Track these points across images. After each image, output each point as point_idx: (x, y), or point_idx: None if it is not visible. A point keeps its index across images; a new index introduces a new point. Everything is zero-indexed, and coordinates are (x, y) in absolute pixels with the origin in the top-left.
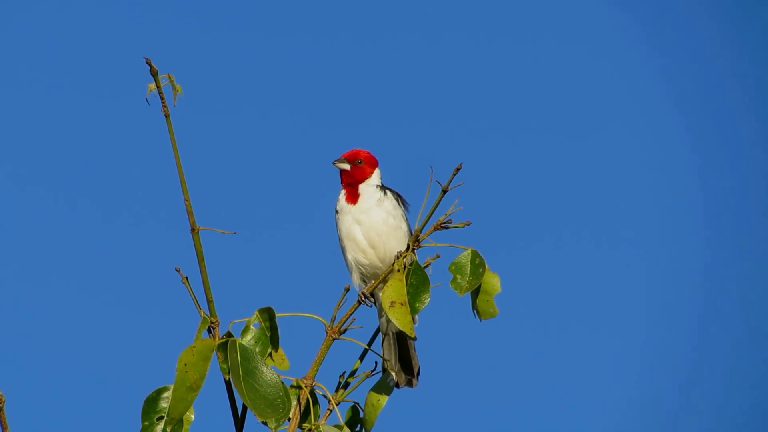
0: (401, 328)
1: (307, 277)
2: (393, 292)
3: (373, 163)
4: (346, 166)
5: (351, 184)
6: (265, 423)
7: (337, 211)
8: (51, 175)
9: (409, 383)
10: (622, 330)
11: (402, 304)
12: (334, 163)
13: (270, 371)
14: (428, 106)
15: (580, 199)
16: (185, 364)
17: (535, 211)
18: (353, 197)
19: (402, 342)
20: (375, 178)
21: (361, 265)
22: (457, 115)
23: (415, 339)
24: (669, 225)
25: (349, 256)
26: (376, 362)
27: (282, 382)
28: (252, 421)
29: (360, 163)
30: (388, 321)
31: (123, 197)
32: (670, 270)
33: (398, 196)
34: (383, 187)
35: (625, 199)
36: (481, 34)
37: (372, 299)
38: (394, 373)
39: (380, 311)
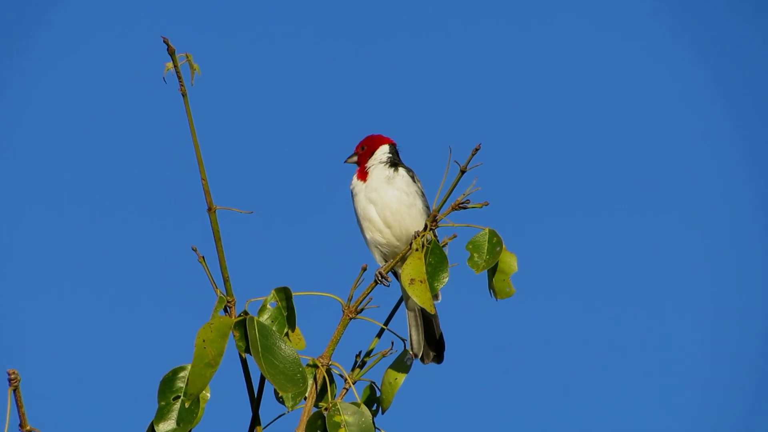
0: (421, 305)
1: (324, 256)
2: (412, 269)
3: (375, 142)
4: (355, 159)
5: (363, 165)
6: (281, 402)
7: (351, 192)
8: (68, 156)
9: (436, 359)
10: (634, 309)
11: (421, 282)
12: (346, 162)
13: (288, 347)
14: (447, 87)
15: (595, 181)
16: (204, 341)
17: (554, 192)
18: (363, 175)
19: (427, 318)
20: (379, 154)
21: (379, 245)
22: (475, 96)
23: (433, 315)
24: (685, 203)
25: (368, 236)
26: (392, 341)
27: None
28: (267, 401)
29: (363, 149)
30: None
31: (140, 177)
32: (686, 247)
33: (412, 173)
34: (394, 164)
35: (641, 180)
36: (494, 13)
37: (389, 279)
38: (412, 353)
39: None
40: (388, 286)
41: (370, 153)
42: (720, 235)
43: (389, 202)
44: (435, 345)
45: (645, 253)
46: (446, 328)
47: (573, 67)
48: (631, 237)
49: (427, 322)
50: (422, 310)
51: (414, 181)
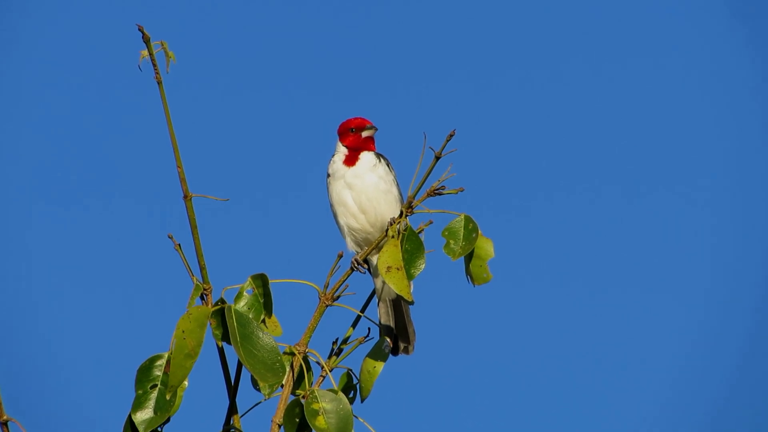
0: (399, 293)
1: (300, 244)
2: (389, 257)
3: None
4: (372, 133)
5: (357, 150)
6: (258, 389)
7: (329, 175)
8: (42, 142)
9: (405, 350)
10: (615, 294)
11: (398, 269)
12: (369, 127)
13: (266, 336)
14: (421, 71)
15: (572, 164)
16: (183, 331)
17: (529, 177)
18: (352, 161)
19: (398, 308)
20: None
21: (353, 230)
22: (450, 81)
23: (412, 303)
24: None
25: (342, 221)
26: (369, 328)
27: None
28: (244, 388)
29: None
30: (384, 284)
31: (116, 165)
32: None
33: (388, 161)
34: (378, 155)
35: (621, 164)
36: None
37: (365, 266)
38: (389, 339)
39: (375, 277)
40: (364, 273)
41: (371, 144)
42: (703, 219)
43: (367, 188)
44: (405, 336)
45: (625, 238)
46: (424, 313)
47: (553, 48)
48: (611, 221)
49: (398, 313)
50: (396, 300)
51: (391, 169)
